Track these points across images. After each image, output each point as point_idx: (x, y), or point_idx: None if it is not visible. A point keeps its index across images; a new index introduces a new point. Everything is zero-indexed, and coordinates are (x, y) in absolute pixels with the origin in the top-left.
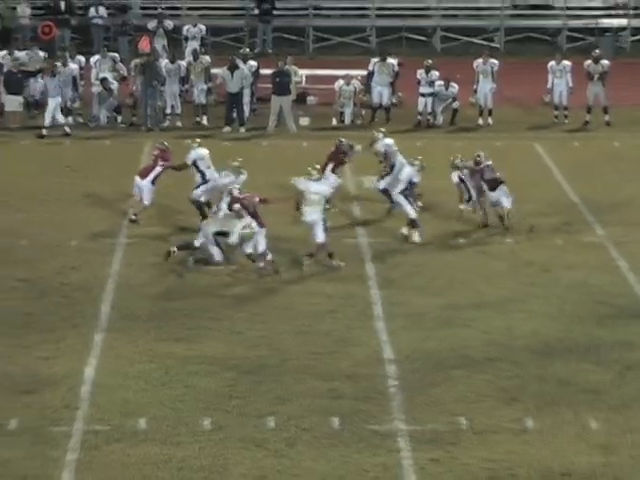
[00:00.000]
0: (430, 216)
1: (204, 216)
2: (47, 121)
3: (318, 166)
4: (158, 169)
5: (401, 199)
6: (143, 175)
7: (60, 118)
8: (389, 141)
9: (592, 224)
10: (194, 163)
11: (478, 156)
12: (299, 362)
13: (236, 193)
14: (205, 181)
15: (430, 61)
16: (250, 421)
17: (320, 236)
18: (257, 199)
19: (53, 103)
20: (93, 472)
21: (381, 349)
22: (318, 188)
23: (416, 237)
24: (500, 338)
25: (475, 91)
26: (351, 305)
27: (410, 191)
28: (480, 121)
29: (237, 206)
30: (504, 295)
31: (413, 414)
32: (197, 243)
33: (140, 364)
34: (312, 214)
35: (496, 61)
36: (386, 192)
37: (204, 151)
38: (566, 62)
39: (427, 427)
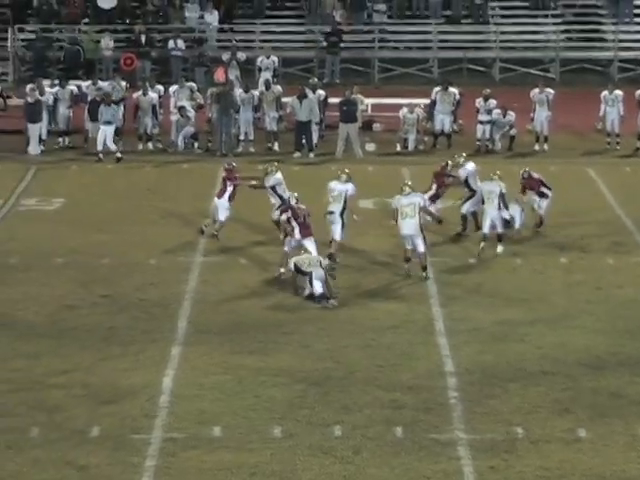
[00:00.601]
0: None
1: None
2: (99, 147)
3: (410, 182)
4: (230, 189)
5: (496, 215)
6: (219, 196)
7: (111, 145)
8: (470, 167)
9: None
10: (273, 188)
11: (525, 171)
12: (364, 374)
13: (293, 202)
14: (284, 202)
15: (488, 90)
16: (318, 429)
17: (420, 246)
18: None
19: (105, 130)
20: (171, 477)
21: (442, 362)
22: (410, 200)
23: (500, 249)
24: (554, 352)
25: (532, 119)
26: (413, 321)
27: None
28: (536, 147)
29: (284, 217)
30: (558, 312)
31: (472, 424)
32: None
33: (215, 375)
34: (408, 227)
35: (552, 90)
36: (465, 219)
37: (280, 176)
38: (618, 92)
39: (485, 436)
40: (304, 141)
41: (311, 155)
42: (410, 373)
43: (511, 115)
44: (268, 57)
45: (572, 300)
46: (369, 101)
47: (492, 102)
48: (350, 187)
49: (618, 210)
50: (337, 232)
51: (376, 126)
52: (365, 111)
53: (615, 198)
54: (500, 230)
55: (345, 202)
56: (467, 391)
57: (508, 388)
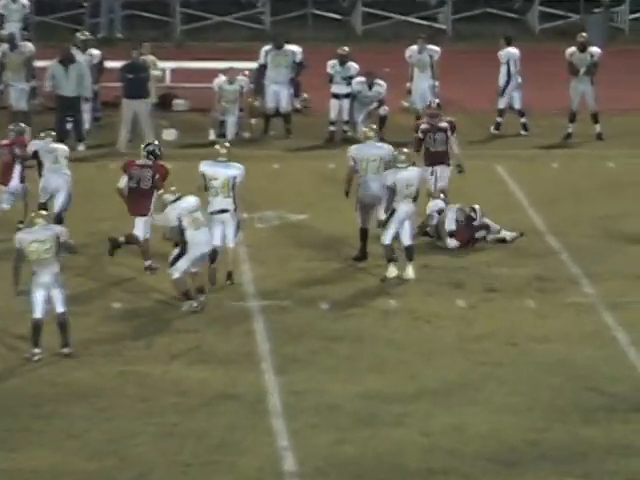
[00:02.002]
0: (352, 269)
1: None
2: None
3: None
4: (19, 167)
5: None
6: (5, 180)
7: None
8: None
9: (577, 278)
10: (35, 155)
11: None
12: (161, 477)
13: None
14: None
15: (346, 49)
16: None
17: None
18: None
19: None
20: None
21: (279, 458)
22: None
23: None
24: (446, 441)
25: (409, 91)
26: (236, 395)
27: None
28: None
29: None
30: (452, 380)
31: None
32: None
33: None
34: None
35: (437, 48)
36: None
37: (58, 145)
38: (510, 49)
39: None
40: (70, 126)
41: (80, 147)
42: (232, 474)
43: (380, 86)
44: (15, 1)
45: (473, 362)
46: (167, 65)
47: (352, 66)
48: (237, 171)
49: (541, 226)
50: (230, 237)
51: (178, 103)
52: (161, 80)
53: (536, 208)
54: (410, 242)
55: (234, 191)
56: None
57: None
